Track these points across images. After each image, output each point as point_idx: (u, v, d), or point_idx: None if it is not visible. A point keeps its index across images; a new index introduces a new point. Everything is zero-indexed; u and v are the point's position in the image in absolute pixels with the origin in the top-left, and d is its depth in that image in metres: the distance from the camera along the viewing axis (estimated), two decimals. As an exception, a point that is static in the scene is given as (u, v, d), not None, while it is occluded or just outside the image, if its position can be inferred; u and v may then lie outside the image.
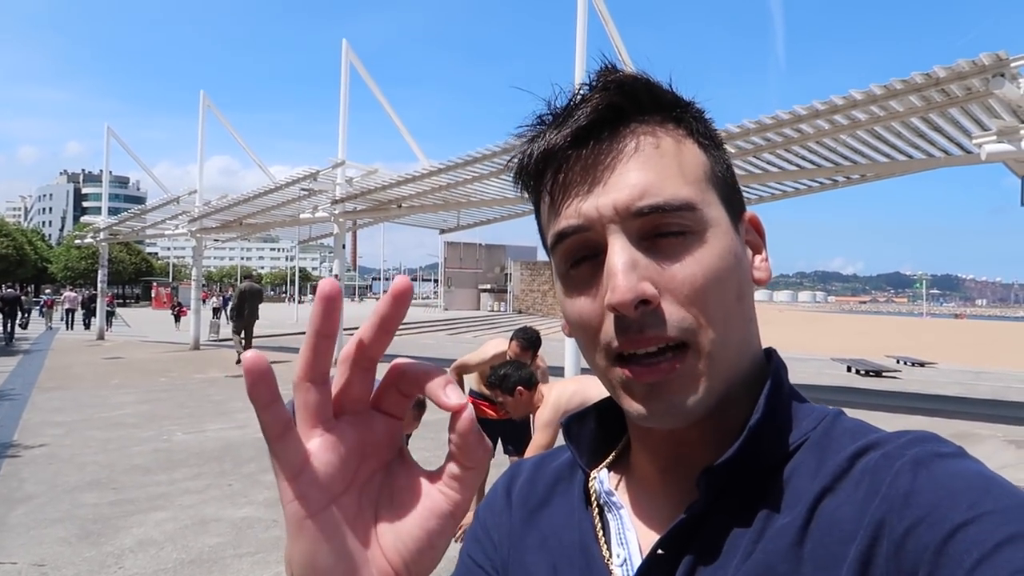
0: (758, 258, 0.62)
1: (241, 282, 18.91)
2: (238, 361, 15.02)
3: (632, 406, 0.55)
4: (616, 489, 0.63)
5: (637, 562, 0.58)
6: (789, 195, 12.42)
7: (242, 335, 15.54)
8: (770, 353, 0.62)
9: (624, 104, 0.56)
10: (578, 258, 0.57)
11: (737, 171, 10.86)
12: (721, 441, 0.56)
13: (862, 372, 15.56)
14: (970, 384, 14.32)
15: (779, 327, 54.06)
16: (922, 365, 18.52)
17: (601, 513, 0.63)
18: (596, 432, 0.68)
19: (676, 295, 0.53)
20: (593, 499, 0.64)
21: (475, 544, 0.71)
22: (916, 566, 0.43)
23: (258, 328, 16.41)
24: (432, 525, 0.39)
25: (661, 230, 0.54)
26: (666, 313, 0.52)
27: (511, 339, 4.53)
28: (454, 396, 0.38)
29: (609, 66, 0.59)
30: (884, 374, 15.54)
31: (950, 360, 21.54)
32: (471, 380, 5.04)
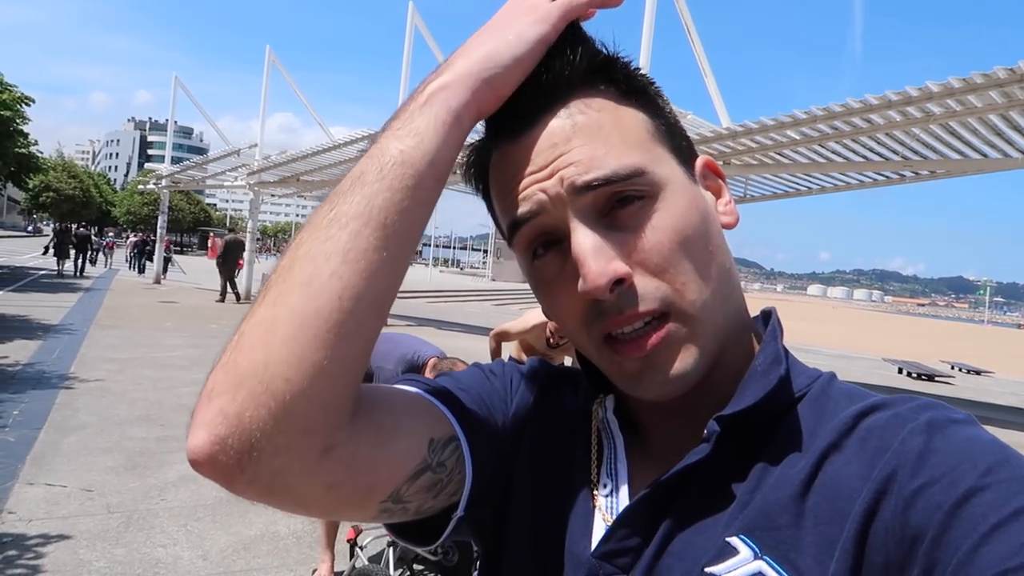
0: (721, 203, 0.61)
1: (228, 234, 19.85)
2: (218, 300, 17.56)
3: (628, 383, 0.55)
4: (617, 418, 0.63)
5: (623, 494, 0.58)
6: (853, 187, 11.99)
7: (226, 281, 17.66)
8: (769, 312, 0.62)
9: (557, 79, 0.55)
10: (539, 247, 0.56)
11: (801, 159, 10.47)
12: (715, 390, 0.56)
13: (914, 375, 15.16)
14: (1027, 397, 13.84)
15: (831, 324, 52.86)
16: (978, 373, 17.95)
17: (599, 438, 0.63)
18: None
19: (648, 266, 0.52)
20: (595, 423, 0.64)
21: (499, 371, 0.71)
22: (925, 524, 0.42)
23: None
24: None
25: (617, 201, 0.53)
26: (641, 287, 0.52)
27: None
28: None
29: None
30: (937, 379, 15.11)
31: (1009, 371, 20.79)
32: (510, 348, 5.06)
